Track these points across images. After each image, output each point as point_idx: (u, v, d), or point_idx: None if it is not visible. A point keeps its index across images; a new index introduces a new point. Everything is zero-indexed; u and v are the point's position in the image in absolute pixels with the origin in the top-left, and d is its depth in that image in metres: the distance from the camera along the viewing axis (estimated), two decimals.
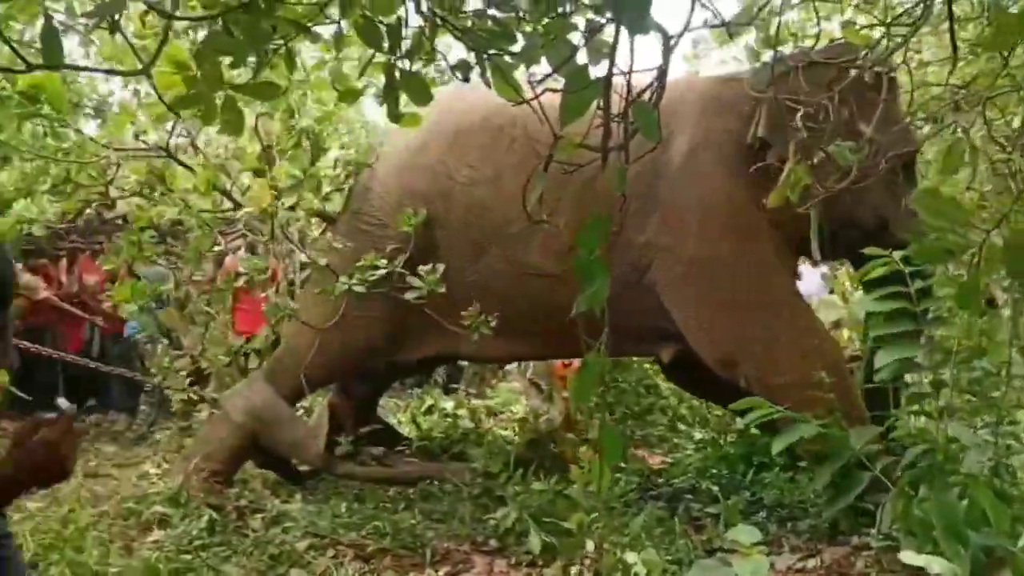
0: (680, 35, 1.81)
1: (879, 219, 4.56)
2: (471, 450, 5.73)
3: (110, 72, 2.02)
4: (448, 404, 7.52)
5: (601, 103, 1.86)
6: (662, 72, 1.83)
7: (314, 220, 5.51)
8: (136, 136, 4.81)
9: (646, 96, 1.85)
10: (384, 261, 4.68)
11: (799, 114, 3.86)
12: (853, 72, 3.73)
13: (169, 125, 4.52)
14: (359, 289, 4.47)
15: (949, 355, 3.93)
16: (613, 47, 1.72)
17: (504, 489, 4.74)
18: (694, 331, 4.76)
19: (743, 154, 4.56)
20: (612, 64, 1.73)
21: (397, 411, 7.93)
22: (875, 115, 3.81)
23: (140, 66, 2.21)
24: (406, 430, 6.91)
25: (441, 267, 4.71)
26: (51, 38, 1.78)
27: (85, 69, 2.11)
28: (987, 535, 3.30)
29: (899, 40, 3.19)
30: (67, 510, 4.74)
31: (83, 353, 7.42)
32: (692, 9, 1.79)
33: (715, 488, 4.78)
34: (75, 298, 7.89)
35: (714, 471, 5.26)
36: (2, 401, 5.07)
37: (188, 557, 4.16)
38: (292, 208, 4.92)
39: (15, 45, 2.29)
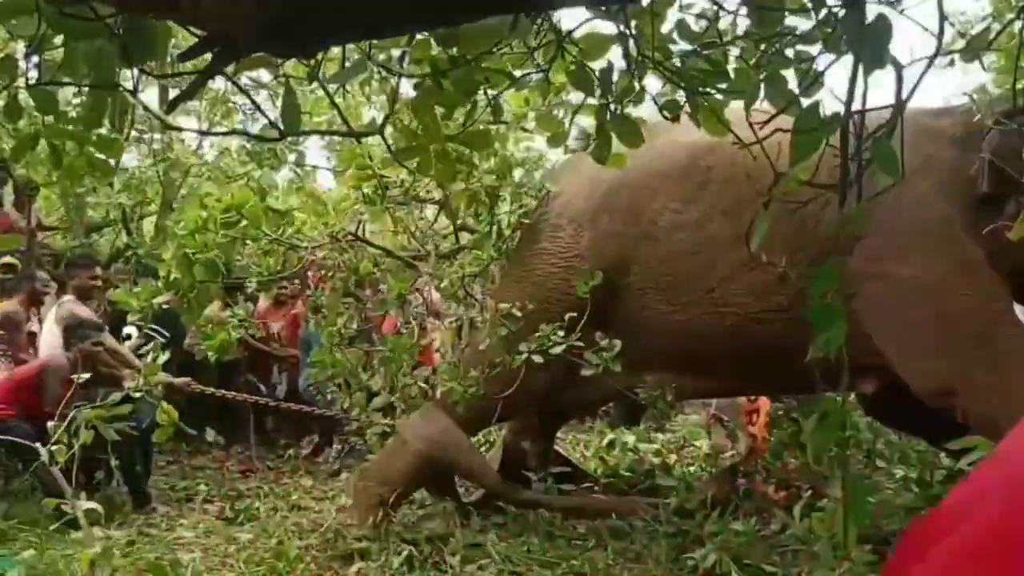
0: (926, 69, 1.72)
1: None
2: (661, 485, 5.64)
3: (348, 134, 2.12)
4: (630, 438, 7.45)
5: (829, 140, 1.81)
6: (899, 106, 1.75)
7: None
8: (334, 236, 5.11)
9: (882, 131, 1.77)
10: (562, 333, 4.62)
11: None
12: None
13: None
14: (537, 360, 4.44)
15: None
16: (851, 84, 1.66)
17: (701, 528, 4.63)
18: (906, 359, 4.53)
19: (960, 182, 4.46)
20: (850, 103, 1.67)
21: (578, 447, 7.93)
22: None
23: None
24: (591, 466, 6.89)
25: (618, 344, 4.58)
26: (291, 109, 1.89)
27: (326, 132, 2.23)
28: None
29: None
30: (276, 541, 4.98)
31: (270, 394, 8.02)
32: (941, 36, 1.70)
33: None
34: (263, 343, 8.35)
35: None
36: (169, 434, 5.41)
37: None
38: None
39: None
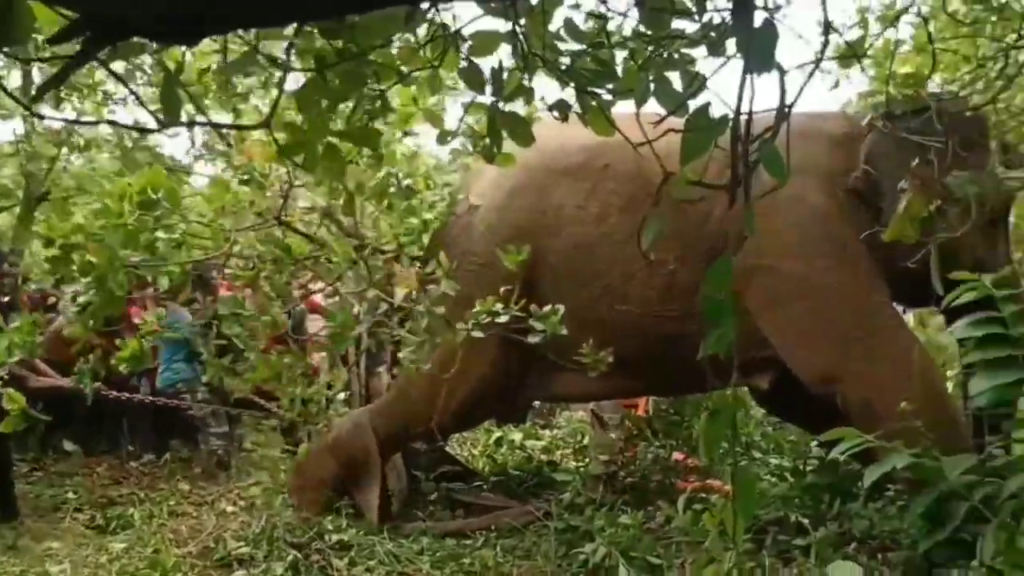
0: (811, 73, 1.76)
1: (977, 263, 4.49)
2: (555, 480, 5.70)
3: (233, 127, 2.03)
4: (517, 436, 7.49)
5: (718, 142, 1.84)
6: (785, 109, 1.79)
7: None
8: (260, 214, 4.90)
9: (768, 134, 1.81)
10: (500, 305, 4.61)
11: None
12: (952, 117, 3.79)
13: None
14: (478, 334, 4.40)
15: None
16: (740, 87, 1.69)
17: (590, 523, 4.70)
18: (793, 348, 4.75)
19: (839, 180, 4.73)
20: (740, 103, 1.70)
21: (465, 445, 7.92)
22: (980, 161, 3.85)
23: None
24: (480, 464, 6.91)
25: (562, 308, 4.47)
26: (171, 96, 1.80)
27: (208, 124, 2.12)
28: None
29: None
30: (152, 550, 4.79)
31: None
32: (825, 46, 1.75)
33: (804, 520, 4.67)
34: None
35: (799, 501, 5.14)
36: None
37: None
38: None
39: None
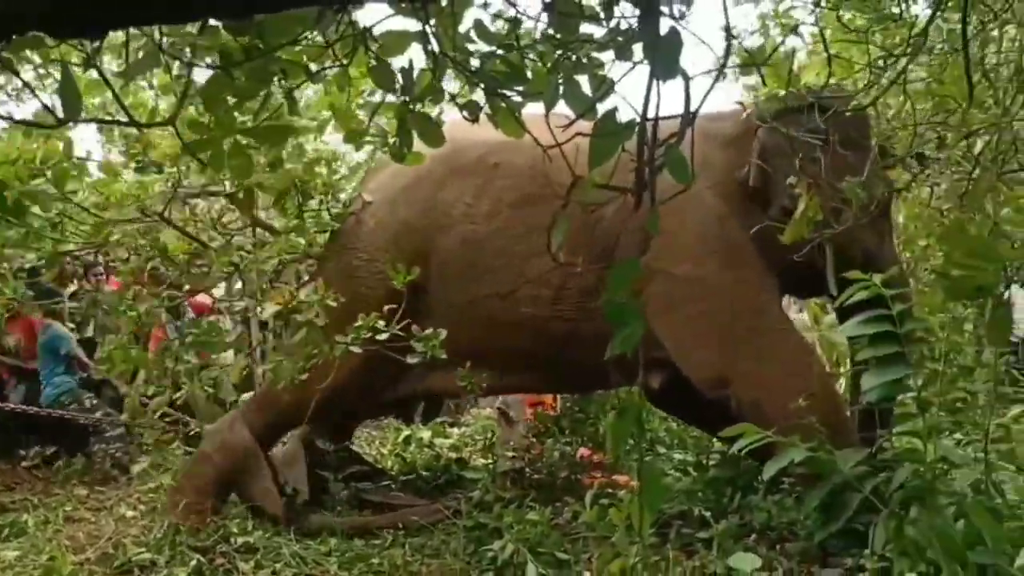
0: (716, 79, 1.82)
1: (867, 257, 4.64)
2: (464, 478, 5.72)
3: (134, 124, 1.97)
4: (425, 434, 7.48)
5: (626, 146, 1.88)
6: (689, 114, 1.85)
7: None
8: (143, 212, 4.75)
9: (672, 139, 1.86)
10: (382, 323, 4.57)
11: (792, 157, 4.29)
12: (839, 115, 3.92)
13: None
14: (355, 350, 4.37)
15: (936, 375, 3.99)
16: (647, 92, 1.73)
17: (499, 520, 4.73)
18: (685, 351, 4.82)
19: (732, 181, 4.82)
20: (647, 108, 1.74)
21: (374, 444, 7.88)
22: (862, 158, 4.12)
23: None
24: (389, 463, 6.89)
25: (443, 333, 4.46)
26: (70, 92, 1.75)
27: (109, 122, 2.06)
28: (984, 554, 3.35)
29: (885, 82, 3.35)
30: (47, 558, 4.63)
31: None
32: (728, 52, 1.81)
33: (707, 513, 4.79)
34: None
35: (702, 495, 5.27)
36: None
37: None
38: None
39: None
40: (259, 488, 5.26)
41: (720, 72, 1.83)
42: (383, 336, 4.18)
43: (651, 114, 1.86)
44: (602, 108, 1.96)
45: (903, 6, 4.88)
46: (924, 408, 4.04)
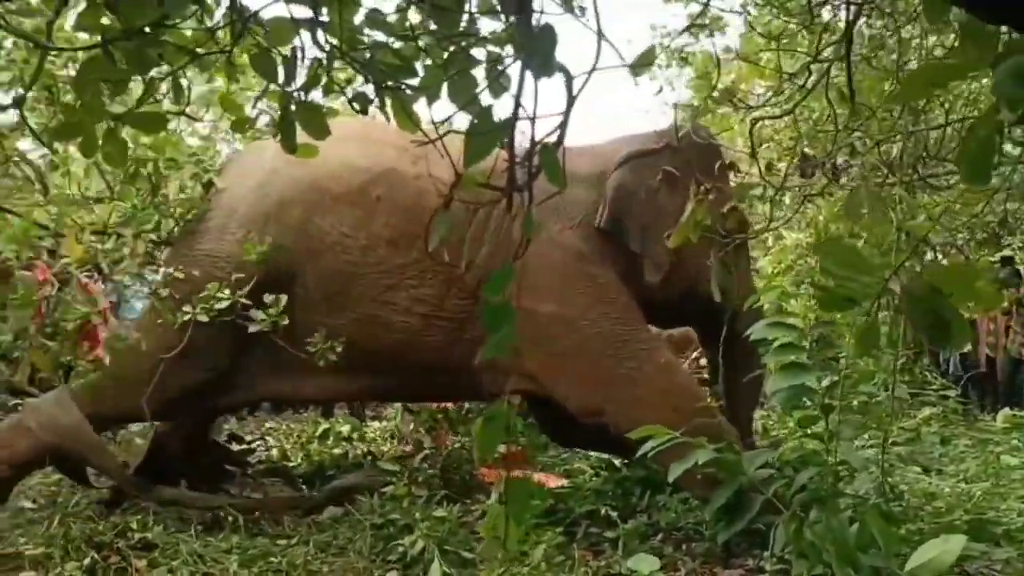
0: (588, 77, 1.78)
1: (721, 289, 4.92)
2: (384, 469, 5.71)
3: None
4: (345, 428, 7.40)
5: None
6: (566, 114, 1.81)
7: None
8: None
9: (550, 139, 1.82)
10: (228, 291, 4.62)
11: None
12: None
13: None
14: (202, 318, 4.44)
15: (838, 380, 4.05)
16: (519, 90, 1.69)
17: (411, 516, 4.70)
18: (558, 385, 5.04)
19: (591, 218, 5.14)
20: (518, 106, 1.70)
21: (291, 436, 7.77)
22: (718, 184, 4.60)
23: None
24: (297, 457, 6.86)
25: (284, 298, 4.69)
26: None
27: None
28: (876, 557, 3.40)
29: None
30: None
31: None
32: (599, 50, 1.77)
33: (613, 513, 4.80)
34: None
35: (611, 495, 5.29)
36: None
37: None
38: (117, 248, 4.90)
39: None
40: (103, 460, 5.21)
41: (590, 73, 1.78)
42: (223, 304, 4.42)
43: (530, 113, 1.81)
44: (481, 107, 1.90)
45: (835, 14, 4.95)
46: (827, 411, 4.11)
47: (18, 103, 1.91)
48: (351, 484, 5.59)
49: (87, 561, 4.34)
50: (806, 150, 5.12)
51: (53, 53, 2.23)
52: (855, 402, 4.53)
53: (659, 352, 5.19)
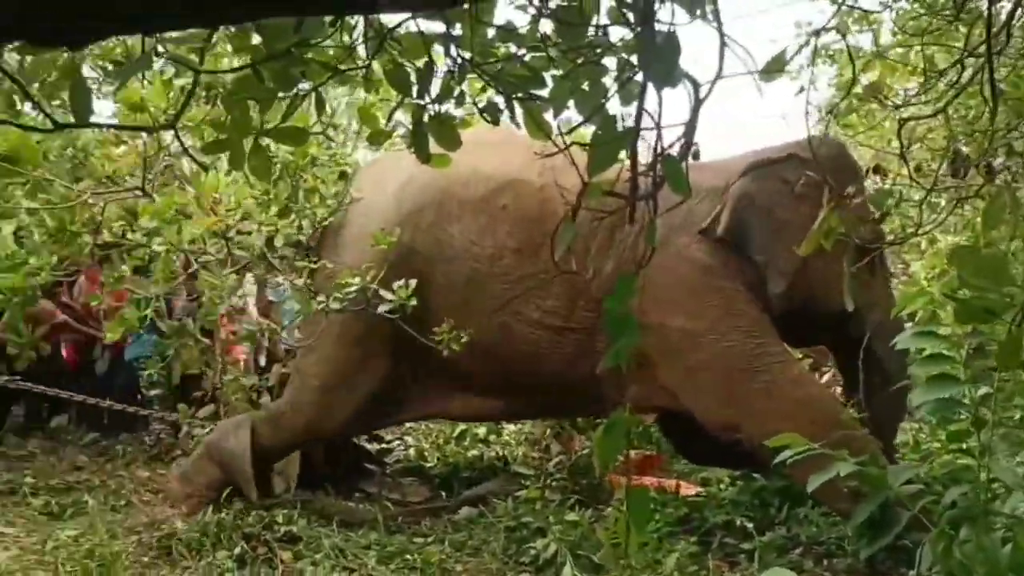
0: (712, 85, 1.76)
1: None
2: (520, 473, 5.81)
3: (138, 128, 2.02)
4: (481, 430, 7.52)
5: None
6: (692, 123, 1.80)
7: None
8: (109, 178, 5.21)
9: (675, 149, 1.81)
10: (357, 279, 4.85)
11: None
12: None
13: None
14: (335, 306, 4.70)
15: (990, 393, 3.84)
16: (640, 100, 1.69)
17: (545, 520, 4.75)
18: (692, 399, 5.01)
19: (712, 232, 5.05)
20: (640, 116, 1.70)
21: (430, 436, 7.95)
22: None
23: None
24: (433, 458, 7.04)
25: (413, 282, 4.86)
26: (81, 96, 1.79)
27: (113, 126, 2.11)
28: None
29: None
30: (100, 538, 4.77)
31: (87, 369, 7.79)
32: (722, 57, 1.75)
33: (750, 524, 4.70)
34: (80, 319, 7.91)
35: (748, 506, 5.18)
36: None
37: None
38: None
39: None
40: (247, 492, 5.43)
41: (715, 80, 1.76)
42: (353, 289, 4.69)
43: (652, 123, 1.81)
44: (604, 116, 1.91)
45: (991, 6, 4.69)
46: (979, 426, 3.90)
47: (173, 123, 2.05)
48: (485, 492, 5.70)
49: (237, 550, 4.59)
50: (962, 148, 4.85)
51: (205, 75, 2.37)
52: (1014, 416, 4.28)
53: (793, 364, 5.12)
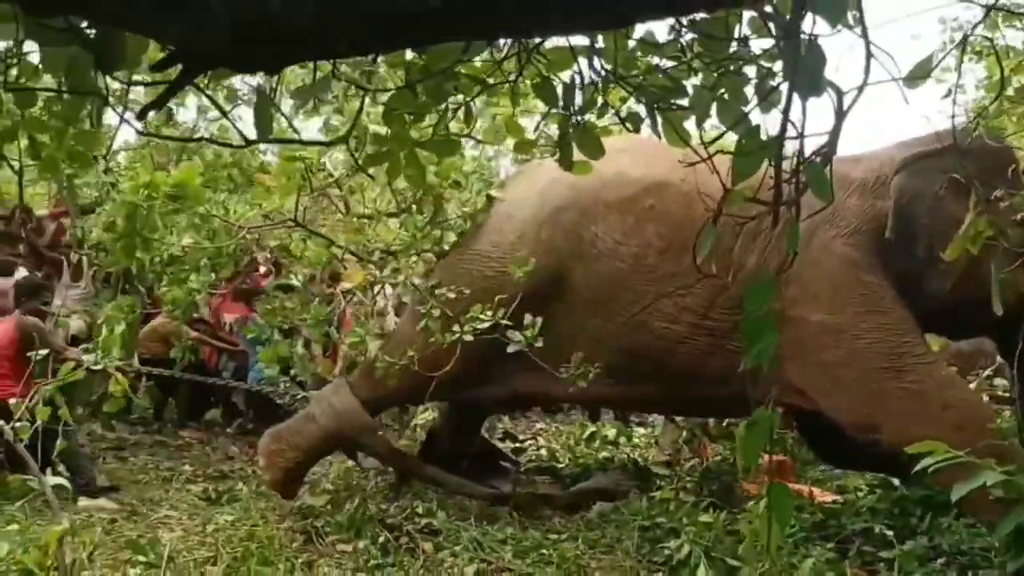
0: (858, 94, 1.81)
1: (1020, 301, 4.53)
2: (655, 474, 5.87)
3: (314, 143, 2.21)
4: (611, 432, 7.59)
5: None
6: (835, 131, 1.84)
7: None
8: (266, 216, 5.73)
9: (815, 156, 1.86)
10: (489, 314, 4.90)
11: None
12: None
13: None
14: (468, 338, 4.81)
15: None
16: (785, 109, 1.75)
17: (679, 521, 4.79)
18: (829, 398, 4.91)
19: (866, 227, 4.94)
20: (785, 126, 1.76)
21: (560, 436, 8.07)
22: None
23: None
24: (567, 457, 7.16)
25: (539, 321, 4.89)
26: (264, 114, 1.98)
27: (291, 141, 2.31)
28: None
29: None
30: (252, 524, 5.09)
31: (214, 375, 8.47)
32: (868, 66, 1.79)
33: (889, 532, 4.62)
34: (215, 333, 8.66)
35: (888, 514, 5.07)
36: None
37: None
38: (396, 271, 5.62)
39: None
40: (376, 443, 5.68)
41: (861, 89, 1.80)
42: (485, 325, 4.70)
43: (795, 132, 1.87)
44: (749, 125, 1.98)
45: None
46: None
47: (345, 137, 2.23)
48: (597, 487, 5.76)
49: (381, 539, 4.81)
50: None
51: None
52: None
53: (939, 365, 4.95)
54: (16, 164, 2.65)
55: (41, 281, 6.95)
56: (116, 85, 2.26)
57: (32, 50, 2.05)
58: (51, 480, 3.79)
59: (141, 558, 4.30)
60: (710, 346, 5.09)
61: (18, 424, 3.82)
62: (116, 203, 5.21)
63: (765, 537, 1.80)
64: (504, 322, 4.82)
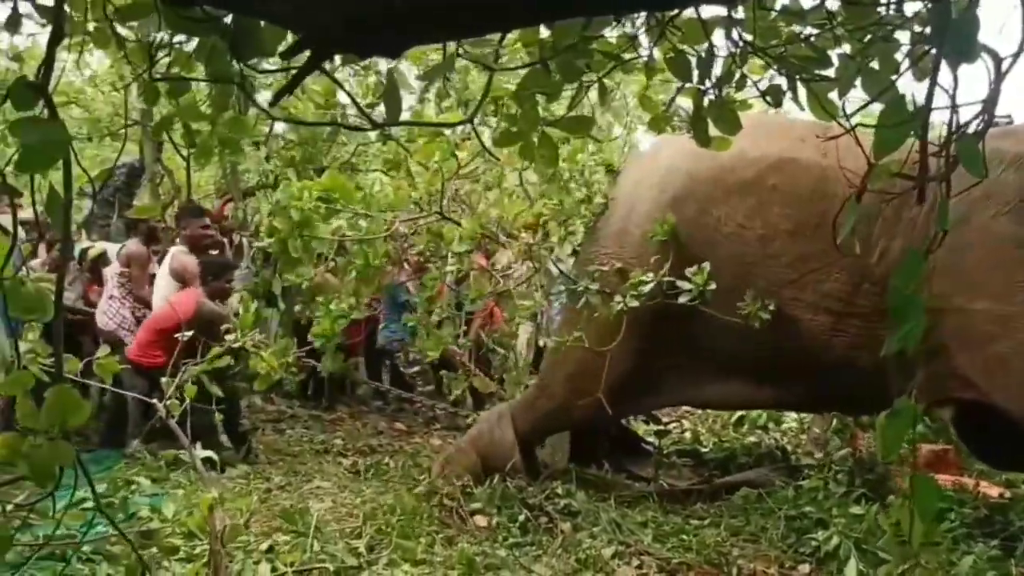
0: (1014, 60, 1.66)
1: None
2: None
3: (439, 125, 2.22)
4: (761, 417, 7.40)
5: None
6: (991, 100, 1.70)
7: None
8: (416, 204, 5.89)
9: (971, 127, 1.73)
10: (650, 275, 4.91)
11: None
12: None
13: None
14: (633, 304, 4.80)
15: None
16: (933, 77, 1.63)
17: (828, 512, 4.62)
18: (999, 391, 4.48)
19: None
20: (931, 95, 1.64)
21: (706, 420, 7.93)
22: None
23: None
24: (711, 441, 7.03)
25: (707, 265, 4.82)
26: (393, 97, 2.00)
27: (419, 124, 2.33)
28: None
29: None
30: (395, 498, 5.23)
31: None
32: None
33: None
34: None
35: None
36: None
37: (502, 553, 4.43)
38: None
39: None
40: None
41: (1016, 55, 1.65)
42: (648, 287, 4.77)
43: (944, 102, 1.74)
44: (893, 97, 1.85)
45: None
46: None
47: (470, 118, 2.23)
48: (744, 480, 5.63)
49: (520, 518, 4.86)
50: None
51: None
52: None
53: None
54: (183, 152, 2.78)
55: (228, 261, 7.29)
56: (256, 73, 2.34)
57: (185, 40, 2.16)
58: (200, 453, 4.03)
59: (291, 527, 4.50)
60: (861, 334, 4.77)
61: (168, 402, 4.04)
62: (278, 206, 5.45)
63: (907, 531, 1.69)
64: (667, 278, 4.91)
